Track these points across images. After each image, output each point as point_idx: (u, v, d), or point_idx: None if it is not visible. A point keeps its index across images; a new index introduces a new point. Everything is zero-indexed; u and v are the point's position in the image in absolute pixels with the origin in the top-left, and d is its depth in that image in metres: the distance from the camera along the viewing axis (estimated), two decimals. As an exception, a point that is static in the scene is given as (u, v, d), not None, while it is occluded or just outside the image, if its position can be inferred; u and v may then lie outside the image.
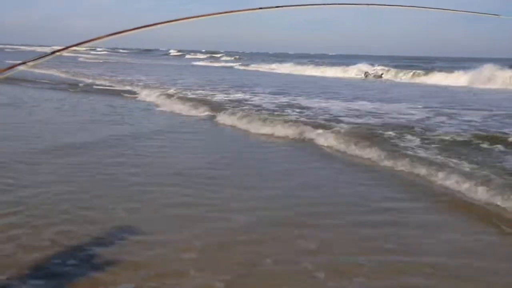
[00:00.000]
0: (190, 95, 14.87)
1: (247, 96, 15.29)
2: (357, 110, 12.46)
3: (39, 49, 75.96)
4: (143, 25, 2.24)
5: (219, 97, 14.77)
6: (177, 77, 25.18)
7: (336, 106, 13.15)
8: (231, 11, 2.22)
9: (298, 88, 20.27)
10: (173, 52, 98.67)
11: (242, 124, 10.09)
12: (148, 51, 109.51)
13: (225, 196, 5.46)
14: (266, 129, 9.47)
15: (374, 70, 33.54)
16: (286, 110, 11.87)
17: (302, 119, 10.34)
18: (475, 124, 10.53)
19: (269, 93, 16.81)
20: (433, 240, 4.34)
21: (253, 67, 43.05)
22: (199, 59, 63.35)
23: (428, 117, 11.42)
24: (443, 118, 11.24)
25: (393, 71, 33.16)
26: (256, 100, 14.13)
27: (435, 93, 19.77)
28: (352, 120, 10.59)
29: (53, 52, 2.35)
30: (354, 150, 7.80)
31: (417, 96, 18.04)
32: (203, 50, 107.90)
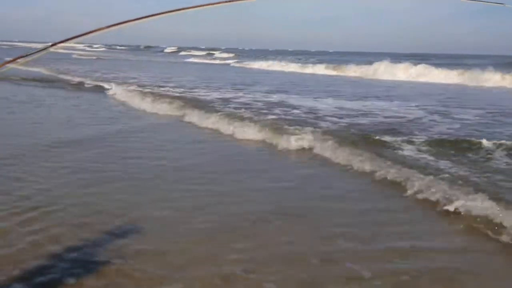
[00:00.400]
0: (156, 91, 14.55)
1: (236, 95, 15.04)
2: (342, 108, 12.21)
3: (34, 45, 75.36)
4: (139, 16, 2.19)
5: (201, 95, 14.51)
6: (163, 74, 24.83)
7: (323, 105, 12.95)
8: (229, 1, 2.16)
9: (283, 86, 20.03)
10: (171, 49, 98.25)
11: (218, 126, 9.70)
12: (149, 47, 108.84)
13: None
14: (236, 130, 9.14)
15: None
16: (273, 109, 11.52)
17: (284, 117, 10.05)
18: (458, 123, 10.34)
19: (256, 91, 16.56)
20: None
21: (245, 64, 42.58)
22: (193, 56, 63.11)
23: (423, 117, 11.25)
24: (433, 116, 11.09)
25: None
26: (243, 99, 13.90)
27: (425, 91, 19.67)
28: (336, 120, 10.34)
29: (53, 44, 2.28)
30: (325, 152, 7.50)
31: (412, 95, 17.90)
32: (203, 47, 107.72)
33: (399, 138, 8.19)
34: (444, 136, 8.67)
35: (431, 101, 14.92)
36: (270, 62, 41.07)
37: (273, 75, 30.26)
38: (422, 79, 27.55)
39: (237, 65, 42.97)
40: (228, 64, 44.11)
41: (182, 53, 79.87)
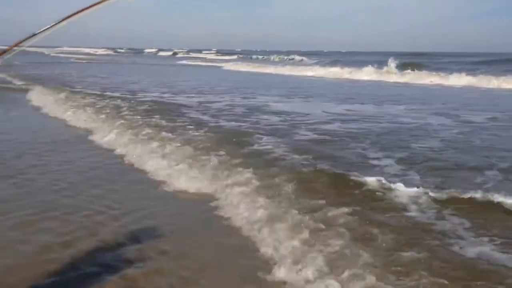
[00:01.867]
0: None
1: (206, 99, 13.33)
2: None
3: (42, 50, 74.84)
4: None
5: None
6: (142, 78, 23.02)
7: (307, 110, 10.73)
8: None
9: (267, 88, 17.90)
10: (169, 52, 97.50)
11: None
12: (161, 50, 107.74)
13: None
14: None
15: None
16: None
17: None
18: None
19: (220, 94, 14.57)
20: None
21: (234, 66, 40.59)
22: (186, 58, 61.83)
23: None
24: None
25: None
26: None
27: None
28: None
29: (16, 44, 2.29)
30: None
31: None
32: (214, 50, 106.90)
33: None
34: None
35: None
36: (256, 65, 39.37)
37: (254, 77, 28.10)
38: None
39: (232, 68, 40.68)
40: (220, 67, 41.86)
41: (180, 55, 79.35)
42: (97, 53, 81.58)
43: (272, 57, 60.82)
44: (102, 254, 3.73)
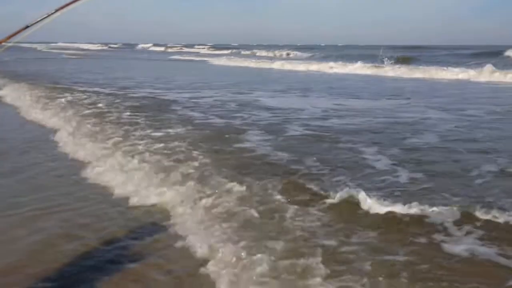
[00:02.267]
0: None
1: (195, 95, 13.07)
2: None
3: (35, 45, 74.33)
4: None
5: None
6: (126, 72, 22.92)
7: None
8: None
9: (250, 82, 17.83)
10: (174, 46, 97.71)
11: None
12: (155, 45, 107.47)
13: None
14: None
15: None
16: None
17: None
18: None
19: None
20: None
21: (223, 61, 40.33)
22: (179, 53, 62.39)
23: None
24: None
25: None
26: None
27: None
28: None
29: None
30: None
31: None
32: (209, 44, 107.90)
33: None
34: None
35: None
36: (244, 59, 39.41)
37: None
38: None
39: (220, 63, 40.51)
40: (207, 62, 41.74)
41: (170, 50, 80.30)
42: (90, 48, 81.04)
43: (258, 52, 60.17)
44: (107, 248, 3.76)
